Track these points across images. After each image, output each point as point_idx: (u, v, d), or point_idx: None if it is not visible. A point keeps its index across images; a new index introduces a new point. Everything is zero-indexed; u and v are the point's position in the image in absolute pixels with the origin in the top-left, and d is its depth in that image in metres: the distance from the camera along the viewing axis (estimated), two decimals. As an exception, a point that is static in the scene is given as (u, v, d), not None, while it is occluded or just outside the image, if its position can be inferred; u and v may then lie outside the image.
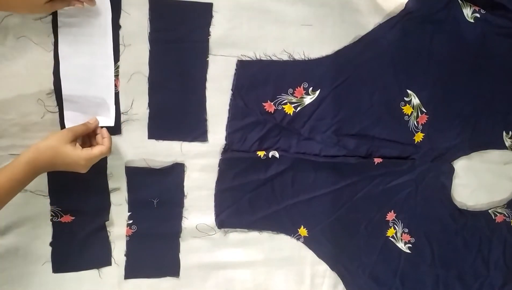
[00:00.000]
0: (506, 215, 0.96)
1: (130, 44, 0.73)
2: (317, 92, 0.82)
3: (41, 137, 0.73)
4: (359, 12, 0.81)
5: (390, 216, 0.90)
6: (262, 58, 0.79)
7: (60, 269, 0.79)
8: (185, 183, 0.81)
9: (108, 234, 0.80)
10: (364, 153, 0.86)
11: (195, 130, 0.79)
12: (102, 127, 0.73)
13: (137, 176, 0.78)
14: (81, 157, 0.65)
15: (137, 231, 0.81)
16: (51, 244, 0.78)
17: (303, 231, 0.87)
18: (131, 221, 0.80)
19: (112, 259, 0.81)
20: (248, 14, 0.77)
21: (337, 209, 0.87)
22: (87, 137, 0.72)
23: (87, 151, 0.66)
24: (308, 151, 0.84)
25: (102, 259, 0.81)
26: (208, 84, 0.78)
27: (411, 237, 0.91)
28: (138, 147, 0.78)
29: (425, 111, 0.87)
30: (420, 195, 0.90)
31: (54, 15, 0.69)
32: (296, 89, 0.81)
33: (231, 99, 0.79)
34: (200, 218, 0.83)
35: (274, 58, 0.79)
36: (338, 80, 0.82)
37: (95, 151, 0.67)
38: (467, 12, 0.84)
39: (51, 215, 0.77)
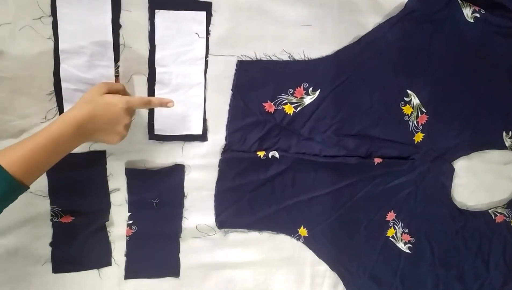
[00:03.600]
0: (506, 215, 0.96)
1: (130, 43, 0.73)
2: (317, 92, 0.82)
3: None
4: (359, 12, 0.81)
5: (390, 216, 0.90)
6: (262, 58, 0.79)
7: (60, 269, 0.79)
8: (185, 184, 0.81)
9: (108, 234, 0.80)
10: (364, 153, 0.86)
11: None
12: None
13: (137, 177, 0.78)
14: (121, 100, 0.63)
15: (137, 232, 0.81)
16: (51, 244, 0.78)
17: (303, 231, 0.87)
18: (131, 222, 0.80)
19: (112, 259, 0.81)
20: (247, 14, 0.77)
21: (337, 209, 0.87)
22: None
23: (124, 98, 0.64)
24: (308, 151, 0.84)
25: (102, 259, 0.81)
26: (208, 84, 0.78)
27: (411, 237, 0.91)
28: (138, 147, 0.78)
29: (425, 111, 0.87)
30: (420, 195, 0.90)
31: (54, 15, 0.69)
32: (296, 89, 0.81)
33: (231, 99, 0.79)
34: (200, 219, 0.83)
35: (274, 58, 0.79)
36: (338, 80, 0.82)
37: (136, 97, 0.65)
38: (467, 12, 0.84)
39: (51, 215, 0.77)
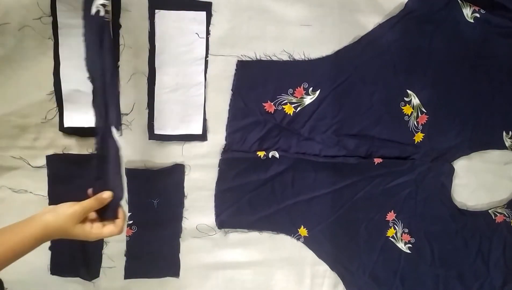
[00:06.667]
0: (506, 215, 0.96)
1: (130, 43, 0.73)
2: (317, 92, 0.82)
3: (41, 139, 0.74)
4: (359, 12, 0.81)
5: (390, 216, 0.90)
6: (262, 58, 0.79)
7: (57, 273, 0.79)
8: (185, 184, 0.81)
9: (103, 243, 0.79)
10: (364, 153, 0.86)
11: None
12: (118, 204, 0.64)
13: (137, 177, 0.78)
14: (90, 237, 0.60)
15: (137, 232, 0.81)
16: (50, 247, 0.77)
17: (303, 231, 0.87)
18: (131, 222, 0.80)
19: (112, 259, 0.81)
20: (247, 14, 0.77)
21: (337, 209, 0.87)
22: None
23: (97, 230, 0.60)
24: (308, 151, 0.84)
25: (92, 269, 0.80)
26: (208, 84, 0.78)
27: (411, 237, 0.91)
28: (139, 148, 0.78)
29: (425, 111, 0.87)
30: (420, 195, 0.90)
31: (54, 16, 0.69)
32: (296, 89, 0.81)
33: (231, 99, 0.79)
34: (200, 219, 0.83)
35: (274, 58, 0.79)
36: (338, 80, 0.82)
37: (105, 232, 0.61)
38: (467, 12, 0.84)
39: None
